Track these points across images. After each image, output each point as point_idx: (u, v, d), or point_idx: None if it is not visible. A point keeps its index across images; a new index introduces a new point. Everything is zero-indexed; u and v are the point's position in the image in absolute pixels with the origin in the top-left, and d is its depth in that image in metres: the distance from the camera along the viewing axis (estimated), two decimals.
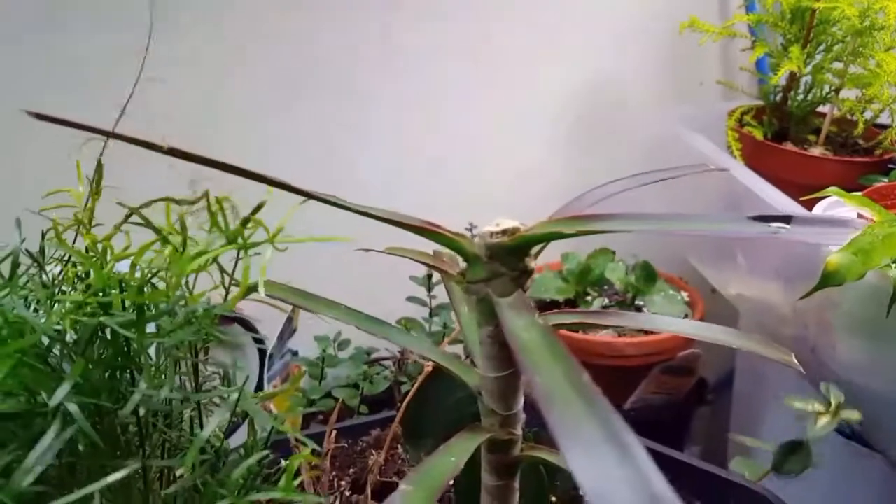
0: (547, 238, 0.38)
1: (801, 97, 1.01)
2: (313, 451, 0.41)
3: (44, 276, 0.40)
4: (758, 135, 0.98)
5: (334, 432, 0.66)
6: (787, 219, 0.36)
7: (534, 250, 0.40)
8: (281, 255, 0.37)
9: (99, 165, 0.41)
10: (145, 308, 0.34)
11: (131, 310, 0.36)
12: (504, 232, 0.38)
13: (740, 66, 1.15)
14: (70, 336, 0.36)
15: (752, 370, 1.07)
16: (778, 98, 1.03)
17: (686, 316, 1.03)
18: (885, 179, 0.90)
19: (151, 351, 0.38)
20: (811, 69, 0.97)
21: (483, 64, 1.15)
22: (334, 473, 0.67)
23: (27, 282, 0.40)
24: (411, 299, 1.02)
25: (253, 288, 0.36)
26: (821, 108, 1.03)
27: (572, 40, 1.19)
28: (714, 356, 1.12)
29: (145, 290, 0.36)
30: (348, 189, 0.38)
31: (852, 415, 0.67)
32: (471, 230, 0.77)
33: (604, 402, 0.25)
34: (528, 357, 0.28)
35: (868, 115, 0.98)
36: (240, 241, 0.37)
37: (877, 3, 0.89)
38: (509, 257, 0.38)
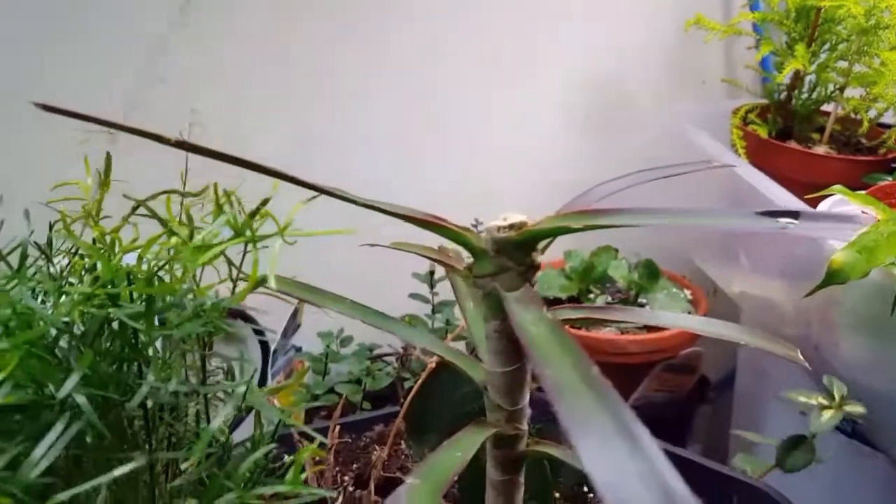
0: (554, 233, 0.39)
1: (805, 96, 1.01)
2: (319, 446, 0.41)
3: (51, 268, 0.40)
4: (762, 133, 0.98)
5: (338, 427, 0.66)
6: (794, 214, 0.36)
7: (540, 245, 0.40)
8: (281, 251, 0.37)
9: (108, 158, 0.41)
10: (154, 300, 0.34)
11: (139, 302, 0.36)
12: (511, 226, 0.38)
13: (746, 64, 1.15)
14: (77, 328, 0.36)
15: (753, 369, 1.07)
16: (782, 96, 1.03)
17: (689, 314, 1.03)
18: (889, 178, 0.90)
19: (157, 344, 0.38)
20: (816, 68, 0.97)
21: (487, 60, 1.15)
22: (337, 468, 0.67)
23: (34, 273, 0.40)
24: (413, 296, 1.02)
25: (262, 281, 0.36)
26: (825, 107, 1.03)
27: (575, 38, 1.19)
28: (715, 355, 1.12)
29: (153, 282, 0.36)
30: (349, 187, 0.38)
31: (856, 408, 0.67)
32: (476, 226, 0.77)
33: (614, 395, 0.25)
34: (538, 350, 0.28)
35: (872, 113, 0.98)
36: (248, 233, 0.37)
37: (882, 1, 0.89)
38: (516, 252, 0.38)
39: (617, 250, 1.07)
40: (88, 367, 0.34)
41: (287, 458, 0.63)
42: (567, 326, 0.44)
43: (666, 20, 1.19)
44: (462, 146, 1.16)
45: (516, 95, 1.18)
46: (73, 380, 0.32)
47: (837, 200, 0.78)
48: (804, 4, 0.94)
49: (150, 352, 0.35)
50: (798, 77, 1.00)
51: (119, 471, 0.31)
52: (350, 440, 0.70)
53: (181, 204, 0.40)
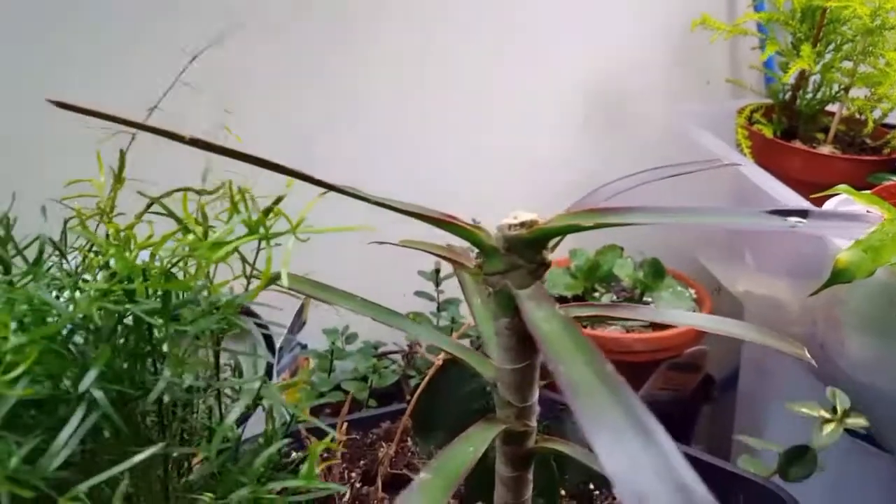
0: (564, 231, 0.39)
1: (810, 96, 1.02)
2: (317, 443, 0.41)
3: (66, 265, 0.41)
4: (767, 133, 0.98)
5: (345, 424, 0.66)
6: (803, 213, 0.36)
7: (550, 243, 0.41)
8: (286, 248, 0.37)
9: (122, 155, 0.41)
10: (170, 296, 0.34)
11: (154, 298, 0.37)
12: (522, 224, 0.38)
13: (750, 64, 1.15)
14: (92, 324, 0.36)
15: (757, 368, 1.08)
16: (787, 96, 1.03)
17: (694, 312, 1.03)
18: (894, 178, 0.90)
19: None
20: (821, 68, 0.97)
21: (488, 60, 1.15)
22: (345, 465, 0.67)
23: (49, 268, 0.40)
24: (419, 294, 1.02)
25: (275, 278, 0.36)
26: (830, 107, 1.03)
27: (578, 37, 1.19)
28: (718, 354, 1.13)
29: (169, 278, 0.36)
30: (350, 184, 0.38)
31: (858, 421, 0.67)
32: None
33: (627, 390, 0.25)
34: (551, 347, 0.29)
35: (877, 113, 0.98)
36: (261, 230, 0.37)
37: (888, 2, 0.89)
38: (527, 250, 0.39)
39: (622, 249, 1.07)
40: (105, 362, 0.34)
41: (294, 455, 0.63)
42: None
43: (670, 20, 1.20)
44: (462, 146, 1.16)
45: (518, 95, 1.18)
46: (91, 375, 0.32)
47: (842, 200, 0.78)
48: (810, 5, 0.94)
49: (166, 347, 0.36)
50: (803, 77, 1.00)
51: (138, 457, 0.32)
52: (357, 437, 0.70)
53: (196, 202, 0.41)
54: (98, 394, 0.33)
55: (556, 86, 1.20)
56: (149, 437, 0.40)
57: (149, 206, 0.39)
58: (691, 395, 1.05)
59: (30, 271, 0.39)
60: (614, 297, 1.03)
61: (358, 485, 0.66)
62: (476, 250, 0.42)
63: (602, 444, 0.23)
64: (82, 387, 0.31)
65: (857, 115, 1.01)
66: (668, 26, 1.20)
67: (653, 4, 1.20)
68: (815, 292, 0.61)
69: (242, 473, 0.37)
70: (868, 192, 0.69)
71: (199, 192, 0.40)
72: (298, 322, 0.86)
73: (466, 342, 0.88)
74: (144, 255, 0.38)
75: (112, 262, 0.36)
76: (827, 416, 0.67)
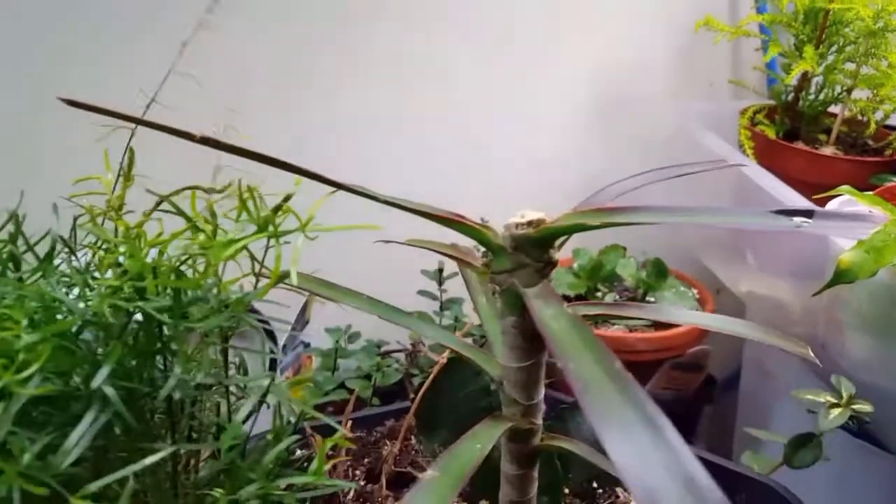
0: (572, 230, 0.39)
1: (812, 97, 1.02)
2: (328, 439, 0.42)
3: (75, 262, 0.41)
4: (770, 134, 0.99)
5: (349, 422, 0.66)
6: (809, 213, 0.36)
7: (557, 242, 0.41)
8: (288, 247, 0.37)
9: (131, 153, 0.41)
10: (181, 294, 0.34)
11: (164, 296, 0.37)
12: (529, 223, 0.39)
13: (754, 66, 1.15)
14: (104, 320, 0.36)
15: (758, 368, 1.08)
16: (790, 98, 1.03)
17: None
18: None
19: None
20: (823, 69, 0.97)
21: (489, 60, 1.15)
22: (349, 463, 0.67)
23: (58, 266, 0.41)
24: (422, 293, 1.03)
25: (284, 276, 0.36)
26: (832, 109, 1.03)
27: (580, 38, 1.20)
28: (720, 354, 1.13)
29: (178, 276, 0.36)
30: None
31: (864, 406, 0.67)
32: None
33: (636, 387, 0.26)
34: (560, 345, 0.29)
35: (879, 115, 0.99)
36: (270, 229, 0.38)
37: (891, 4, 0.90)
38: (534, 248, 0.39)
39: (625, 249, 1.07)
40: (116, 359, 0.34)
41: (298, 453, 0.64)
42: None
43: (671, 21, 1.20)
44: (462, 146, 1.17)
45: (520, 96, 1.18)
46: (104, 372, 0.32)
47: (845, 201, 0.78)
48: (813, 6, 0.95)
49: (176, 345, 0.36)
50: (806, 79, 1.01)
51: (149, 459, 0.32)
52: (362, 435, 0.71)
53: (204, 200, 0.41)
54: (110, 391, 0.33)
55: (558, 86, 1.20)
56: (157, 434, 0.40)
57: (158, 203, 0.39)
58: (694, 394, 1.05)
59: (39, 268, 0.39)
60: (617, 297, 1.03)
61: (362, 482, 0.66)
62: (481, 249, 0.42)
63: (612, 439, 0.24)
64: (95, 383, 0.32)
65: (860, 117, 1.01)
66: (671, 27, 1.21)
67: (654, 5, 1.21)
68: (817, 292, 0.62)
69: (252, 470, 0.37)
70: (870, 193, 0.69)
71: (208, 191, 0.40)
72: (302, 320, 0.86)
73: (469, 341, 0.88)
74: (151, 253, 0.38)
75: (123, 259, 0.36)
76: (833, 400, 0.67)
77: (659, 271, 1.03)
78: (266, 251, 0.40)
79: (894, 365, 0.70)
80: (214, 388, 0.42)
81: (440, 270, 1.02)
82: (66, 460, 0.32)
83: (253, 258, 0.40)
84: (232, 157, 0.38)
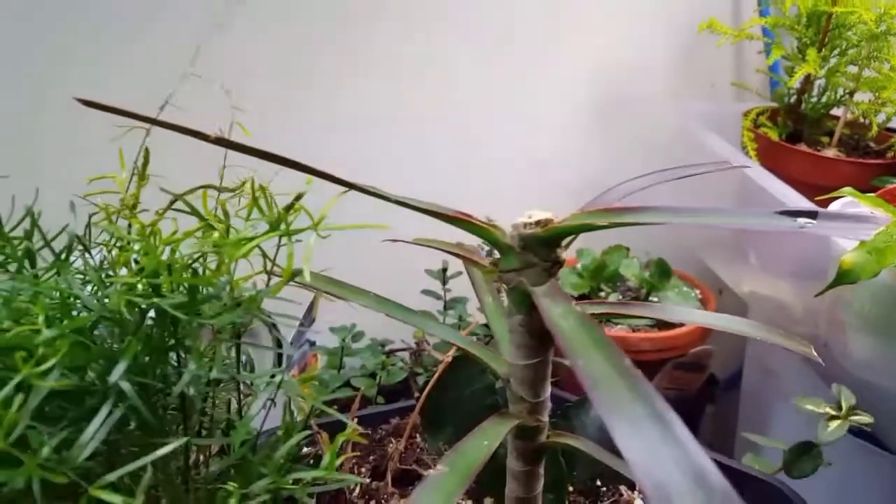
0: (579, 230, 0.40)
1: (815, 99, 1.03)
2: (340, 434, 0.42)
3: (90, 260, 0.42)
4: (773, 136, 0.99)
5: (355, 420, 0.67)
6: (812, 214, 0.37)
7: (564, 242, 0.41)
8: (290, 246, 0.38)
9: (146, 153, 0.42)
10: (197, 290, 0.35)
11: (176, 293, 0.38)
12: (537, 223, 0.39)
13: (757, 68, 1.16)
14: (120, 317, 0.37)
15: (760, 368, 1.08)
16: (792, 100, 1.04)
17: None
18: None
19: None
20: (826, 72, 0.98)
21: (490, 60, 1.15)
22: (354, 460, 0.68)
23: (73, 262, 0.41)
24: (426, 292, 1.03)
25: (296, 274, 0.37)
26: (834, 111, 1.04)
27: (582, 40, 1.20)
28: (721, 354, 1.14)
29: (193, 274, 0.37)
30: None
31: (864, 418, 0.68)
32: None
33: (645, 383, 0.26)
34: (570, 343, 0.30)
35: (881, 117, 0.99)
36: (282, 227, 0.38)
37: (893, 8, 0.90)
38: (542, 248, 0.40)
39: (628, 249, 1.08)
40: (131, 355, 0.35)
41: (305, 450, 0.64)
42: None
43: (673, 23, 1.20)
44: (463, 146, 1.17)
45: (520, 97, 1.19)
46: (120, 367, 0.33)
47: (847, 203, 0.79)
48: (815, 10, 0.95)
49: (191, 341, 0.37)
50: (808, 81, 1.01)
51: (163, 450, 0.32)
52: (367, 433, 0.71)
53: (216, 199, 0.42)
54: (126, 386, 0.34)
55: (558, 86, 1.21)
56: (169, 429, 0.41)
57: (173, 202, 0.40)
58: (696, 394, 1.06)
59: (54, 265, 0.40)
60: (620, 297, 1.04)
61: (367, 479, 0.67)
62: (486, 248, 0.43)
63: (621, 434, 0.24)
64: (112, 378, 0.32)
65: (862, 119, 1.02)
66: (671, 28, 1.21)
67: (655, 6, 1.21)
68: (819, 293, 0.62)
69: (263, 465, 0.38)
70: (872, 194, 0.70)
71: (221, 190, 0.41)
72: (308, 318, 0.87)
73: (473, 340, 0.89)
74: (164, 251, 0.39)
75: (137, 257, 0.37)
76: (832, 412, 0.67)
77: (662, 271, 1.03)
78: (277, 249, 0.41)
79: None
80: (224, 384, 0.43)
81: (444, 270, 1.02)
82: (82, 453, 0.32)
83: (265, 256, 0.40)
84: (232, 155, 0.39)
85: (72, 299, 0.37)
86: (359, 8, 1.08)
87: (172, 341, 0.38)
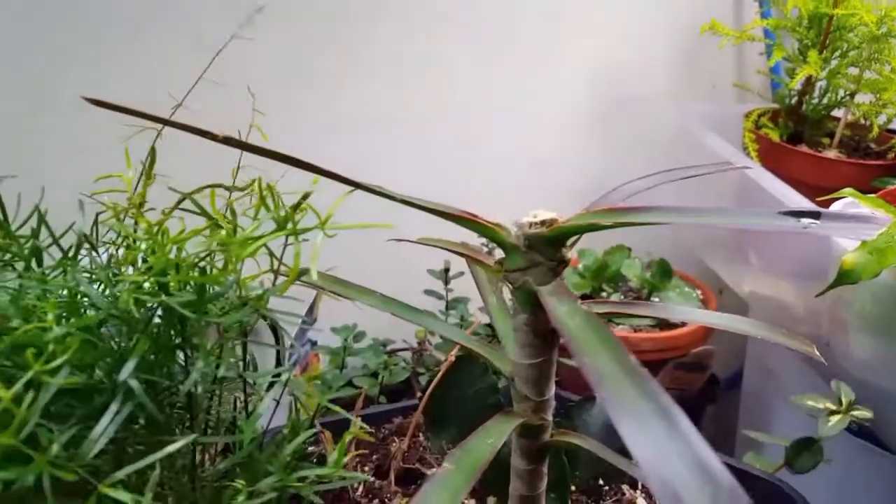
0: (584, 229, 0.40)
1: (816, 101, 1.03)
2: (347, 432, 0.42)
3: (97, 258, 0.42)
4: (774, 137, 1.00)
5: (358, 419, 0.67)
6: (815, 214, 0.37)
7: (568, 242, 0.42)
8: (291, 246, 0.38)
9: (153, 152, 0.42)
10: (205, 289, 0.35)
11: (186, 291, 0.38)
12: (542, 223, 0.40)
13: (758, 69, 1.16)
14: (128, 315, 0.37)
15: (761, 368, 1.09)
16: (793, 101, 1.04)
17: None
18: None
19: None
20: (827, 74, 0.98)
21: (491, 61, 1.16)
22: (358, 459, 0.68)
23: (80, 260, 0.42)
24: (428, 292, 1.03)
25: (303, 273, 0.37)
26: (835, 112, 1.04)
27: (584, 41, 1.20)
28: (722, 354, 1.14)
29: (201, 272, 0.37)
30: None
31: (864, 413, 0.68)
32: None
33: (651, 381, 0.27)
34: (576, 341, 0.30)
35: (882, 119, 1.00)
36: (289, 226, 0.38)
37: (894, 10, 0.91)
38: (547, 247, 0.40)
39: (630, 249, 1.08)
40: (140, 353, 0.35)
41: (308, 448, 0.64)
42: None
43: (674, 23, 1.21)
44: (463, 146, 1.17)
45: (520, 96, 1.19)
46: (129, 365, 0.33)
47: (847, 203, 0.79)
48: (817, 12, 0.96)
49: (198, 339, 0.37)
50: (809, 83, 1.01)
51: (172, 446, 0.33)
52: (370, 432, 0.71)
53: (224, 199, 0.42)
54: (134, 383, 0.34)
55: (558, 86, 1.21)
56: (175, 427, 0.41)
57: (180, 200, 0.40)
58: (697, 394, 1.06)
59: (61, 263, 0.40)
60: (622, 297, 1.04)
61: (371, 478, 0.67)
62: (489, 247, 0.43)
63: (629, 430, 0.25)
64: (122, 376, 0.33)
65: (863, 121, 1.02)
66: (672, 28, 1.21)
67: (655, 6, 1.21)
68: (820, 293, 0.63)
69: (269, 463, 0.38)
70: (873, 195, 0.70)
71: (230, 189, 0.41)
72: (310, 318, 0.87)
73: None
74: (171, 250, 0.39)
75: (145, 255, 0.37)
76: (833, 407, 0.68)
77: (664, 272, 1.03)
78: (284, 248, 0.41)
79: None
80: (228, 382, 0.43)
81: (446, 270, 1.02)
82: (91, 450, 0.33)
83: (272, 255, 0.41)
84: (237, 155, 0.39)
85: (80, 297, 0.37)
86: (359, 8, 1.08)
87: (180, 339, 0.38)
